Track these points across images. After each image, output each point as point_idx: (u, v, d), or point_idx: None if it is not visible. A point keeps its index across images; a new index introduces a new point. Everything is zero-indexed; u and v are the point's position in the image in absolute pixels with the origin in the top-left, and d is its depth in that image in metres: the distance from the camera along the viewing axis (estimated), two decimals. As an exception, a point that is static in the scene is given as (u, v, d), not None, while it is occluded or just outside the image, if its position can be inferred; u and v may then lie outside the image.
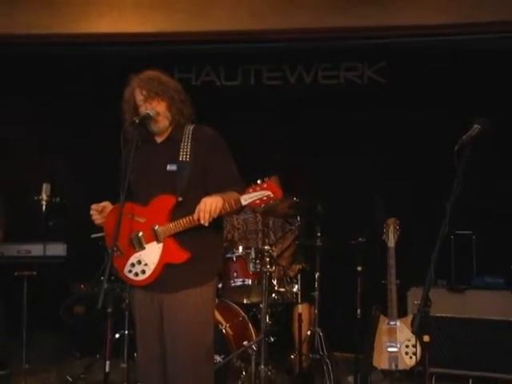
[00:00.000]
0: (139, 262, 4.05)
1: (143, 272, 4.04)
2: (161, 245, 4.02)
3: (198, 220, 3.87)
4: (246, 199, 3.81)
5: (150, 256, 4.04)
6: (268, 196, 3.80)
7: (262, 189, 3.80)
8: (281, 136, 7.19)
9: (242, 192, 3.84)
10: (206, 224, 3.85)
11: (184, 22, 6.45)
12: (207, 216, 3.83)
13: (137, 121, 4.04)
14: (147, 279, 4.05)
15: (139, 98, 4.09)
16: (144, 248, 4.05)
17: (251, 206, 3.89)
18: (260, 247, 6.04)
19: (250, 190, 3.81)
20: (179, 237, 3.99)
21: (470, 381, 6.18)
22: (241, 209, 4.04)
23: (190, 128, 4.16)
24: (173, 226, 3.98)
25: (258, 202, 3.82)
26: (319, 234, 6.11)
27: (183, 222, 3.95)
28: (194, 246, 4.00)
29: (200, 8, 6.41)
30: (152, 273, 4.03)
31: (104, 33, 6.60)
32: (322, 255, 6.16)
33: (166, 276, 4.02)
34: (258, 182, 3.83)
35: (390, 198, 6.53)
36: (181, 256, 4.00)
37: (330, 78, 7.48)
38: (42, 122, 7.81)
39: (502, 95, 6.61)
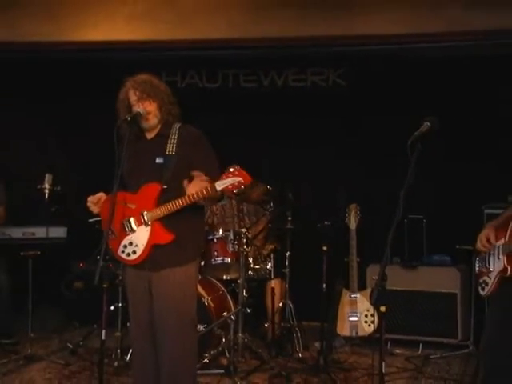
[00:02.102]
0: (130, 244, 4.05)
1: (134, 252, 4.04)
2: (149, 228, 4.02)
3: (181, 204, 3.88)
4: (220, 185, 3.81)
5: (140, 238, 4.04)
6: (239, 182, 3.81)
7: (234, 175, 3.81)
8: (256, 132, 7.19)
9: (217, 179, 3.83)
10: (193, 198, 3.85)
11: (170, 31, 6.42)
12: (197, 190, 3.84)
13: (128, 118, 4.05)
14: (138, 259, 4.05)
15: (133, 98, 4.09)
16: (134, 231, 4.05)
17: (225, 191, 3.88)
18: (237, 230, 6.05)
19: (224, 177, 3.82)
20: (165, 220, 4.00)
21: (420, 345, 6.25)
22: (219, 196, 4.06)
23: (177, 126, 4.17)
24: (158, 211, 3.99)
25: (231, 187, 3.82)
26: (289, 218, 6.14)
27: (167, 207, 3.95)
28: (178, 228, 4.01)
29: (184, 19, 6.39)
30: (142, 253, 4.03)
31: (99, 41, 6.56)
32: (291, 237, 6.19)
33: (154, 256, 4.03)
34: (231, 169, 3.83)
35: (351, 188, 6.55)
36: (166, 237, 4.01)
37: (298, 81, 7.47)
38: (44, 120, 7.76)
39: (450, 97, 6.64)
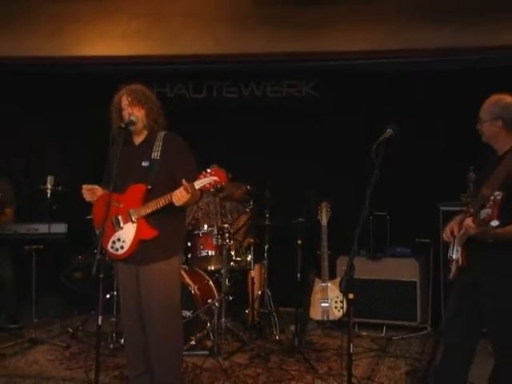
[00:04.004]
0: (119, 240, 4.04)
1: (122, 247, 4.03)
2: (135, 225, 4.01)
3: (164, 202, 3.88)
4: (198, 184, 3.78)
5: (127, 234, 4.02)
6: (215, 180, 3.77)
7: (211, 175, 3.77)
8: (237, 137, 7.17)
9: (197, 179, 3.80)
10: (179, 204, 3.84)
11: (160, 47, 6.42)
12: (180, 197, 3.82)
13: (123, 125, 4.04)
14: (125, 253, 4.03)
15: (125, 102, 4.08)
16: (122, 228, 4.03)
17: (203, 189, 3.85)
18: (220, 225, 6.04)
19: (201, 176, 3.79)
20: (149, 218, 3.99)
21: (384, 327, 6.27)
22: (199, 195, 4.04)
23: (162, 134, 4.16)
24: (143, 209, 3.98)
25: (208, 185, 3.79)
26: (267, 215, 6.14)
27: (152, 205, 3.95)
28: (162, 226, 4.00)
29: (173, 36, 6.39)
30: (128, 248, 4.01)
31: (96, 56, 6.55)
32: (269, 232, 6.18)
33: (140, 251, 4.02)
34: (208, 170, 3.80)
35: (323, 187, 6.55)
36: (150, 233, 4.00)
37: (275, 92, 7.46)
38: (46, 128, 7.73)
39: (407, 105, 6.67)
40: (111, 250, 4.06)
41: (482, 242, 3.51)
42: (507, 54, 6.02)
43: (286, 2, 6.19)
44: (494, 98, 3.68)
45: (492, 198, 3.27)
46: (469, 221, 3.49)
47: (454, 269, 3.74)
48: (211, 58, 6.57)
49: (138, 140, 4.18)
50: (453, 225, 3.76)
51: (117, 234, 4.04)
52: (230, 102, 7.53)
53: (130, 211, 4.01)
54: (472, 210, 3.56)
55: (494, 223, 3.25)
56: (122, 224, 4.03)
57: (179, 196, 3.82)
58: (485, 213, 3.31)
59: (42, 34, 6.58)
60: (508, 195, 3.37)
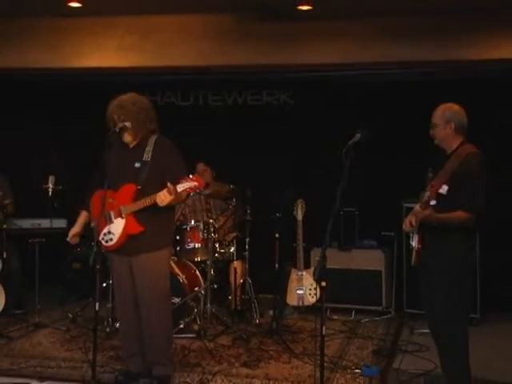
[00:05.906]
0: (109, 232, 4.05)
1: (111, 239, 4.05)
2: (124, 220, 4.02)
3: (150, 201, 3.90)
4: (180, 187, 3.81)
5: (116, 228, 4.04)
6: (195, 185, 3.81)
7: (192, 180, 3.81)
8: (221, 140, 7.16)
9: (179, 182, 3.82)
10: (162, 204, 3.86)
11: (151, 59, 6.41)
12: (163, 198, 3.85)
13: (117, 130, 4.04)
14: (113, 245, 4.05)
15: (115, 118, 4.08)
16: (113, 222, 4.05)
17: (184, 192, 3.87)
18: (206, 220, 6.04)
19: (183, 181, 3.82)
20: (137, 215, 4.00)
21: (353, 312, 6.31)
22: (184, 196, 4.03)
23: (153, 138, 4.17)
24: (132, 206, 4.00)
25: (188, 190, 3.83)
26: (249, 211, 6.13)
27: (139, 203, 3.97)
28: (148, 222, 4.01)
29: (163, 50, 6.40)
30: (117, 241, 4.03)
31: (93, 67, 6.53)
32: (250, 226, 6.18)
33: (130, 244, 4.03)
34: (190, 176, 3.84)
35: (298, 186, 6.56)
36: (136, 228, 4.01)
37: (255, 100, 7.46)
38: (48, 133, 7.70)
39: (377, 111, 6.71)
40: (102, 242, 4.08)
41: (430, 226, 3.62)
42: (457, 68, 6.16)
43: (265, 18, 6.21)
44: (445, 105, 3.85)
45: (431, 182, 3.58)
46: (417, 206, 3.71)
47: (414, 255, 3.79)
48: (197, 70, 6.58)
49: (132, 143, 4.18)
50: (410, 217, 3.81)
51: (108, 227, 4.05)
52: (214, 109, 7.52)
53: (121, 208, 4.02)
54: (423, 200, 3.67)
55: (432, 202, 3.59)
56: (113, 218, 4.05)
57: (162, 197, 3.85)
58: (426, 196, 3.61)
59: (43, 47, 6.55)
60: (453, 187, 3.60)
